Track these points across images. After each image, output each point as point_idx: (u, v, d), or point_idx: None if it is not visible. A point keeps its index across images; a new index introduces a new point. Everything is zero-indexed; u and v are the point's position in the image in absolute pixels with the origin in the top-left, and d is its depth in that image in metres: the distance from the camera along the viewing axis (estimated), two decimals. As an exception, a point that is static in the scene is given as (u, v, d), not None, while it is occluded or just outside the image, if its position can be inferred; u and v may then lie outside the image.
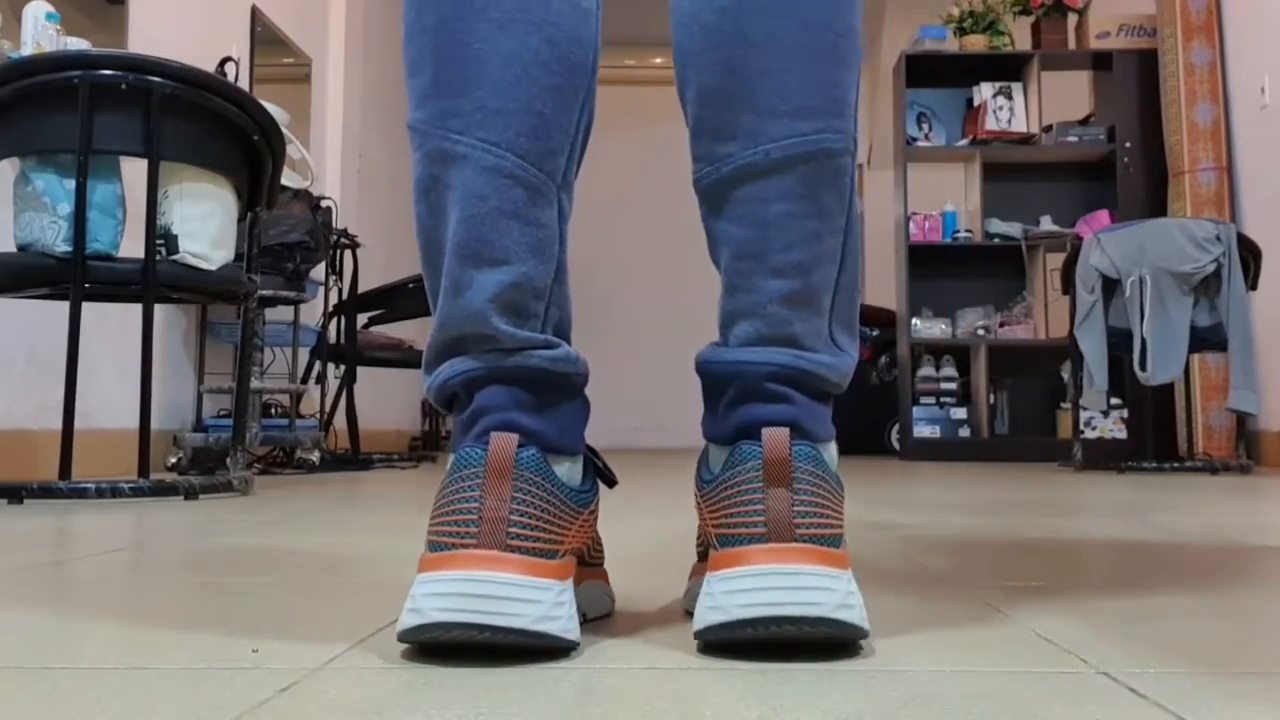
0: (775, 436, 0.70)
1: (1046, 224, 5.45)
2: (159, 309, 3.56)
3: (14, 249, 2.37)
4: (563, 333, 0.77)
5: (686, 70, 0.76)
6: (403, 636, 0.68)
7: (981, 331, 5.42)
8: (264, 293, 3.49)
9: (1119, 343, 3.86)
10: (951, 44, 5.57)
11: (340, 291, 4.49)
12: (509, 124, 0.74)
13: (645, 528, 1.65)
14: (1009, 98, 5.45)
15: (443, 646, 0.68)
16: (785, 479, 0.69)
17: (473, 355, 0.74)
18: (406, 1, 0.78)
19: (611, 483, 0.81)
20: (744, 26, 0.74)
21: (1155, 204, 5.15)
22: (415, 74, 0.77)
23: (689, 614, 0.84)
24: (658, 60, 8.36)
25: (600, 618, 0.85)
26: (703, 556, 0.86)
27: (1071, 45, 5.51)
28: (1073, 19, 5.53)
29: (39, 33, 2.76)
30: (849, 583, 0.69)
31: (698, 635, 0.70)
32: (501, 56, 0.74)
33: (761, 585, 0.67)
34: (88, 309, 3.21)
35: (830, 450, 0.75)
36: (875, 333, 6.23)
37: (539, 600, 0.67)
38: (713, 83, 0.75)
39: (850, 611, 0.68)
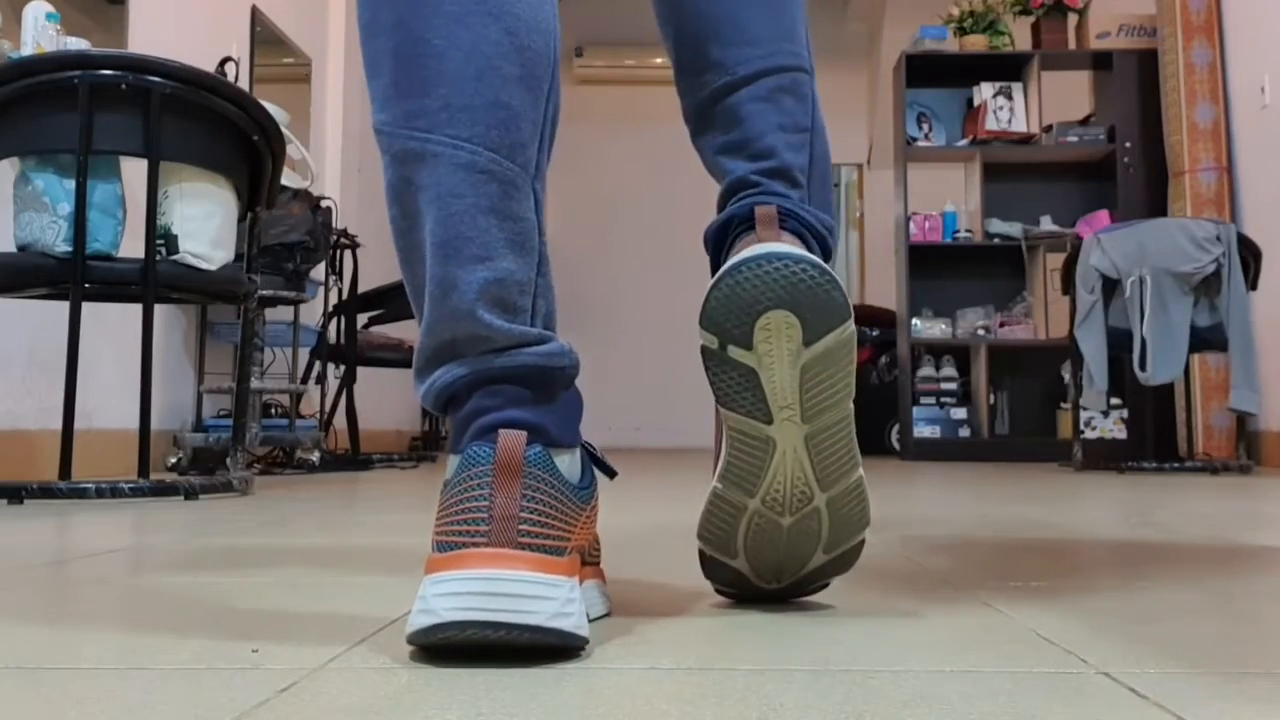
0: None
1: (1046, 224, 5.45)
2: (159, 309, 3.56)
3: (14, 249, 2.37)
4: (550, 325, 0.77)
5: (664, 22, 0.95)
6: (414, 638, 0.67)
7: (981, 331, 5.42)
8: (264, 293, 3.49)
9: (1119, 343, 3.86)
10: (951, 44, 5.57)
11: (340, 291, 4.49)
12: (477, 119, 0.73)
13: (646, 528, 1.65)
14: (1009, 98, 5.45)
15: (445, 647, 0.68)
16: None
17: (467, 359, 0.73)
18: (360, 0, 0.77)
19: (611, 474, 0.81)
20: None
21: (1155, 204, 5.15)
22: (375, 75, 0.76)
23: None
24: (658, 60, 8.35)
25: (598, 619, 0.84)
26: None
27: (1071, 45, 5.51)
28: (1073, 19, 5.53)
29: (39, 33, 2.76)
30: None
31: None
32: (461, 51, 0.73)
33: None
34: (88, 309, 3.20)
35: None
36: (875, 333, 6.22)
37: (552, 597, 0.66)
38: (688, 28, 0.93)
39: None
